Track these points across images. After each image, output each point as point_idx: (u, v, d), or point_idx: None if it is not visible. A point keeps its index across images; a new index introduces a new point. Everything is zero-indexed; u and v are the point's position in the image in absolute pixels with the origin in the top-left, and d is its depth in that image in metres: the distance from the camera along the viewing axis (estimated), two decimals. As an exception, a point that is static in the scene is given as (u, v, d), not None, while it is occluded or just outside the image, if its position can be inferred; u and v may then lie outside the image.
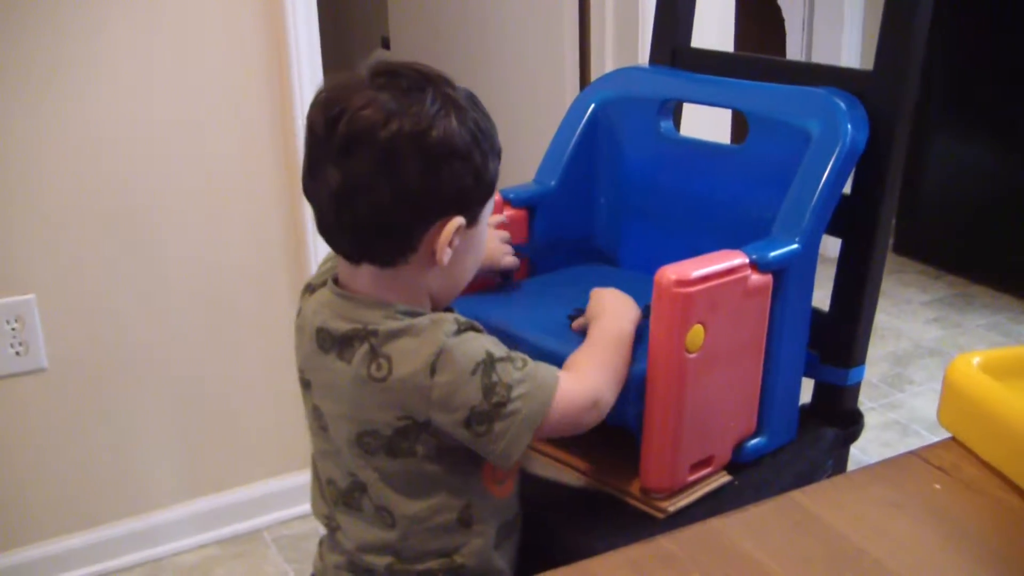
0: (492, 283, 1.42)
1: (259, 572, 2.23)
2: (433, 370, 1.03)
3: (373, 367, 1.05)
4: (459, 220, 1.07)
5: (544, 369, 1.10)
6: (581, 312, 1.29)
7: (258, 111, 2.13)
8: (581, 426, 1.13)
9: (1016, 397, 0.98)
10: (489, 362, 1.05)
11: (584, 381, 1.13)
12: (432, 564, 1.12)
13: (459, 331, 1.05)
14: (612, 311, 1.25)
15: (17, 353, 2.03)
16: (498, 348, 1.07)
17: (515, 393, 1.05)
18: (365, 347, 1.06)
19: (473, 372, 1.04)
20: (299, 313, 1.17)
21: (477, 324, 1.09)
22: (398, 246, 1.07)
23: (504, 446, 1.06)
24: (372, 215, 1.04)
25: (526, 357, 1.09)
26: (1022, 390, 1.00)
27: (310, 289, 1.17)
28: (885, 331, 3.32)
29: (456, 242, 1.08)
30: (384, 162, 1.02)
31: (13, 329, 2.01)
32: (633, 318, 1.24)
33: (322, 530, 1.23)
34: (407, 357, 1.04)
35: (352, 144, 1.02)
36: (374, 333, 1.06)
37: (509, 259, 1.41)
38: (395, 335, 1.05)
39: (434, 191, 1.04)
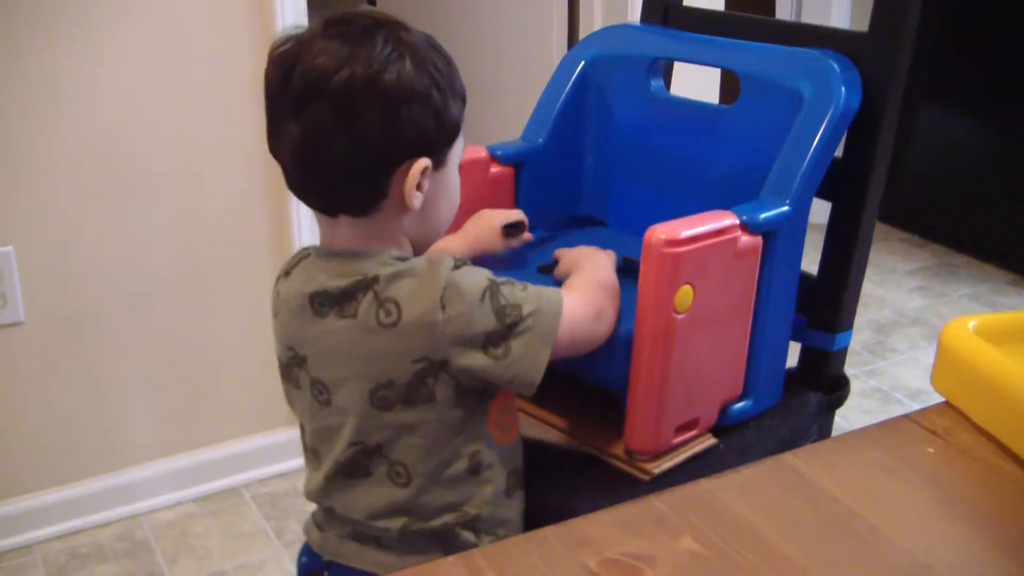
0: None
1: (237, 529, 2.22)
2: (443, 305, 1.03)
3: (381, 314, 1.05)
4: (424, 162, 1.07)
5: (547, 289, 1.11)
6: (554, 264, 1.31)
7: (241, 68, 2.10)
8: (593, 339, 1.15)
9: (1012, 362, 0.97)
10: (494, 287, 1.06)
11: (584, 296, 1.15)
12: (447, 518, 1.12)
13: (457, 265, 1.06)
14: (589, 259, 1.27)
15: (-6, 306, 2.01)
16: (497, 276, 1.08)
17: (526, 311, 1.06)
18: (369, 296, 1.05)
19: (482, 299, 1.05)
20: (277, 296, 1.16)
21: (469, 261, 1.09)
22: (367, 193, 1.07)
23: (526, 366, 1.07)
24: (335, 164, 1.05)
25: (524, 282, 1.10)
26: (1018, 355, 0.99)
27: (286, 273, 1.16)
28: (868, 299, 3.31)
29: (425, 185, 1.08)
30: (339, 110, 1.02)
31: (-10, 282, 1.99)
32: (610, 266, 1.26)
33: (312, 505, 1.21)
34: (414, 298, 1.04)
35: (307, 95, 1.03)
36: (375, 280, 1.06)
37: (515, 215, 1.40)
38: (396, 278, 1.05)
39: (393, 135, 1.04)
